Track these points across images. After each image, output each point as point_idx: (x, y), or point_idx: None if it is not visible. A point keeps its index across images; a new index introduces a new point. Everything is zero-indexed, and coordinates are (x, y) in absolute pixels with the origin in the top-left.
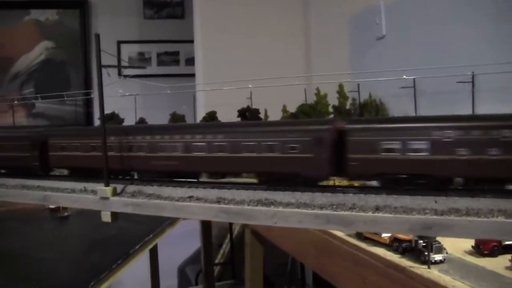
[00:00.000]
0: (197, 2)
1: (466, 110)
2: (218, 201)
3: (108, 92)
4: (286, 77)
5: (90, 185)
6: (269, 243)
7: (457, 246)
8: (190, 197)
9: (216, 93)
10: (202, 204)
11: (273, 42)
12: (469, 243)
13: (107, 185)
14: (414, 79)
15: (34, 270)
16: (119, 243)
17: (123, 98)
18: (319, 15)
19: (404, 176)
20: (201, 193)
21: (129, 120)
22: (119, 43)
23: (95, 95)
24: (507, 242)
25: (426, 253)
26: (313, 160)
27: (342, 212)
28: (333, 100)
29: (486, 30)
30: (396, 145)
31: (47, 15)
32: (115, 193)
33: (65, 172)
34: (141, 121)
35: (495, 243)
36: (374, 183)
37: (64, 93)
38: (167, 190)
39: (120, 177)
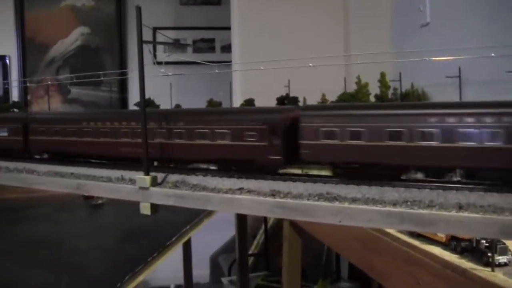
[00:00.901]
0: None
1: None
2: (273, 194)
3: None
4: (324, 63)
5: (128, 173)
6: (306, 235)
7: None
8: (240, 189)
9: (252, 81)
10: (254, 198)
11: (311, 29)
12: None
13: (147, 173)
14: (459, 67)
15: (66, 261)
16: (154, 233)
17: (157, 84)
18: (359, 1)
19: (356, 165)
20: (252, 185)
21: (164, 107)
22: (155, 29)
23: (135, 75)
24: None
25: (489, 254)
26: (268, 148)
27: (420, 211)
28: (373, 89)
29: None
30: (347, 132)
31: (83, 1)
32: (155, 183)
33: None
34: (177, 107)
35: None
36: None
37: (100, 72)
38: (213, 181)
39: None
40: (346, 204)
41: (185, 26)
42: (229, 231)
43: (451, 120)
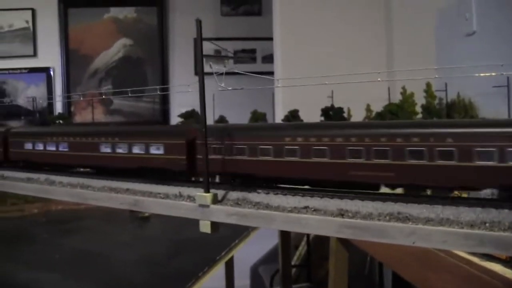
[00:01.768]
0: None
1: None
2: (341, 213)
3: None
4: (368, 74)
5: (186, 190)
6: (353, 248)
7: None
8: (306, 208)
9: (295, 92)
10: (320, 217)
11: (353, 39)
12: None
13: (207, 191)
14: (508, 77)
15: (113, 275)
16: (203, 247)
17: (196, 95)
18: (403, 9)
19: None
20: (318, 203)
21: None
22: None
23: (199, 88)
24: None
25: None
26: (179, 160)
27: (500, 233)
28: (419, 99)
29: None
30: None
31: (126, 13)
32: (216, 200)
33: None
34: (221, 119)
35: None
36: None
37: (148, 87)
38: (276, 199)
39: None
40: (420, 225)
41: (226, 36)
42: (269, 242)
43: None
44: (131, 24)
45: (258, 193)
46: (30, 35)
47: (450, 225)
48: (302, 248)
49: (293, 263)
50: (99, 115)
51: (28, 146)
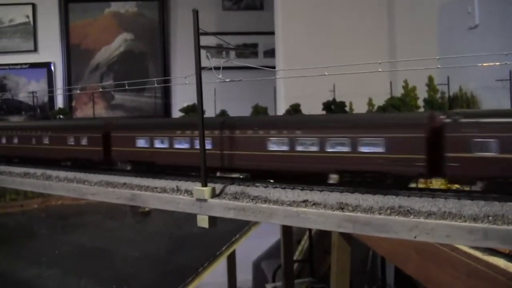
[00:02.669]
0: None
1: None
2: (341, 207)
3: (191, 79)
4: (369, 64)
5: (184, 184)
6: (355, 242)
7: None
8: (305, 202)
9: (297, 86)
10: (321, 211)
11: (355, 33)
12: None
13: (204, 185)
14: (510, 70)
15: (115, 271)
16: (204, 242)
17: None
18: (405, 3)
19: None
20: (317, 197)
21: (209, 112)
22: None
23: (196, 79)
24: None
25: None
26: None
27: (504, 227)
28: (421, 93)
29: None
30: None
31: (127, 7)
32: (214, 194)
33: None
34: (223, 113)
35: None
36: None
37: (149, 79)
38: (275, 193)
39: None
40: (422, 219)
41: (227, 31)
42: (271, 237)
43: None
44: (132, 18)
45: (257, 186)
46: (30, 30)
47: (453, 218)
48: (304, 243)
49: (295, 258)
50: (101, 110)
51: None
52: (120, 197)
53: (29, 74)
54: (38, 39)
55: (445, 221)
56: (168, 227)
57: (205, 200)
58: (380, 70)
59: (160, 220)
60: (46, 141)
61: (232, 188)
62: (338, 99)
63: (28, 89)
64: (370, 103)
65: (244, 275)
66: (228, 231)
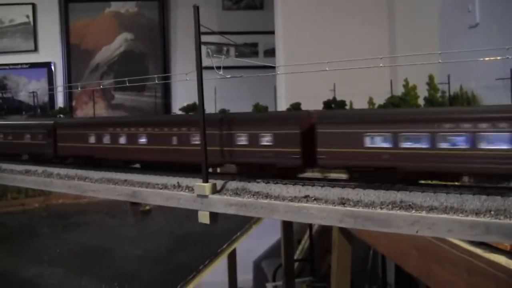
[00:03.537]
0: None
1: None
2: (342, 202)
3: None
4: (369, 59)
5: (185, 180)
6: (356, 240)
7: None
8: (306, 197)
9: (297, 85)
10: (322, 206)
11: (356, 32)
12: None
13: (206, 181)
14: (511, 69)
15: (116, 269)
16: (204, 240)
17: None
18: (405, 2)
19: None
20: (318, 192)
21: (209, 111)
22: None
23: (196, 74)
24: None
25: None
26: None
27: (506, 221)
28: (421, 92)
29: None
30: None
31: (127, 7)
32: (214, 190)
33: None
34: (223, 112)
35: None
36: None
37: (149, 76)
38: (276, 188)
39: None
40: (423, 213)
41: (228, 30)
42: (272, 236)
43: None
44: (132, 18)
45: (258, 182)
46: (30, 30)
47: (455, 213)
48: (305, 242)
49: (296, 257)
50: (101, 110)
51: None
52: (121, 193)
53: (30, 74)
54: (38, 39)
55: (447, 216)
56: (168, 226)
57: (206, 196)
58: (381, 65)
59: (161, 219)
60: (10, 137)
61: (233, 184)
62: (338, 98)
63: (29, 89)
64: (370, 102)
65: (245, 274)
66: (228, 229)
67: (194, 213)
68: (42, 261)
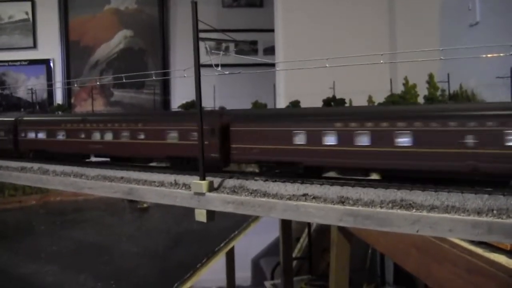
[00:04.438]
0: None
1: None
2: (341, 201)
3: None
4: (370, 56)
5: (182, 178)
6: (355, 239)
7: None
8: (305, 195)
9: (297, 83)
10: (321, 205)
11: (356, 32)
12: None
13: (203, 178)
14: (511, 68)
15: (113, 267)
16: (202, 238)
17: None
18: (406, 1)
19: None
20: (317, 191)
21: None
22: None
23: (194, 71)
24: None
25: None
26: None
27: (509, 221)
28: (421, 91)
29: None
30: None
31: (127, 4)
32: (212, 188)
33: None
34: (222, 109)
35: None
36: None
37: (148, 72)
38: (274, 186)
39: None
40: (424, 213)
41: (227, 28)
42: (270, 234)
43: None
44: (132, 15)
45: (256, 180)
46: (30, 27)
47: (456, 212)
48: (303, 241)
49: (294, 255)
50: (100, 107)
51: None
52: (118, 191)
53: (29, 70)
54: (38, 36)
55: (448, 215)
56: (166, 223)
57: (203, 194)
58: (382, 61)
59: (159, 216)
60: None
61: (230, 182)
62: (338, 97)
63: (28, 85)
64: (370, 100)
65: (243, 272)
66: (227, 227)
67: (192, 210)
68: (40, 258)
